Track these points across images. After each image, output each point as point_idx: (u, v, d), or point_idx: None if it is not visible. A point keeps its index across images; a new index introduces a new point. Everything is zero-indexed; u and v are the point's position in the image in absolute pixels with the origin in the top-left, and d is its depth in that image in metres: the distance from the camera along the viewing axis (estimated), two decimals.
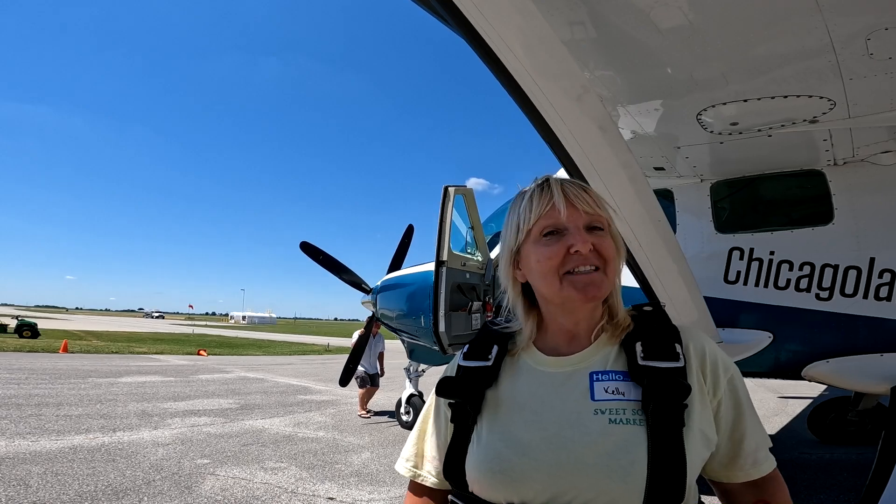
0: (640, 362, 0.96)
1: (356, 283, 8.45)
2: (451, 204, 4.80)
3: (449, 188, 4.85)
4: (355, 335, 9.78)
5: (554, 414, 0.96)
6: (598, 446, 0.89)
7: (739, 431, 0.99)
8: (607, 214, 1.04)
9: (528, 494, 0.91)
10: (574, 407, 0.95)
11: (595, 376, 0.98)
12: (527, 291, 1.12)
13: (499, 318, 1.19)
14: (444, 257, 4.73)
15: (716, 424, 0.98)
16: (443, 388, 1.09)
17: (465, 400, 1.04)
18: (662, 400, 0.90)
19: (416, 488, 1.18)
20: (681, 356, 0.97)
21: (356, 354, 8.66)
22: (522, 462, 0.93)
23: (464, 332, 4.96)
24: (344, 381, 8.60)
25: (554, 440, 0.93)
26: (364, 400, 9.58)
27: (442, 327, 4.71)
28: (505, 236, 1.11)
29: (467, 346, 1.15)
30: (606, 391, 0.95)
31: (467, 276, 5.18)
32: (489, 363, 1.07)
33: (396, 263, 8.20)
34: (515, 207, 1.08)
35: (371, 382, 9.66)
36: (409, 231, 8.61)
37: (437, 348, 4.98)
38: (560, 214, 1.00)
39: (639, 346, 0.98)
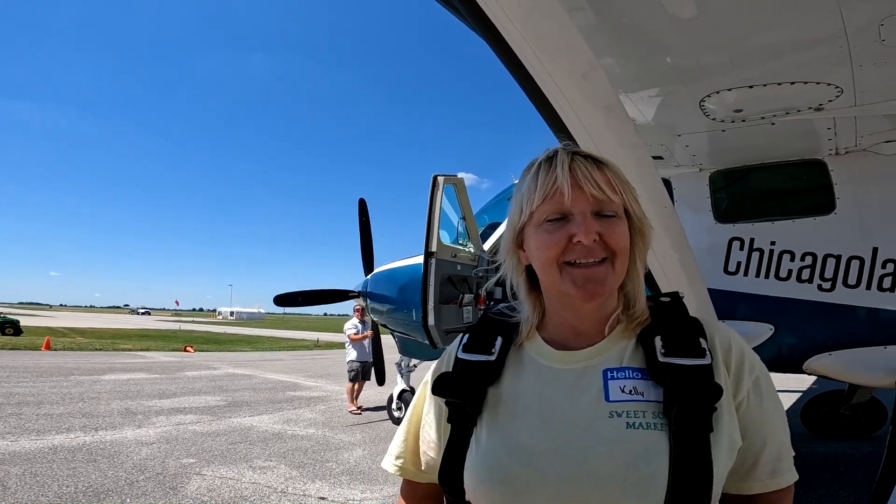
0: (661, 359, 0.85)
1: (342, 296, 8.23)
2: (439, 193, 4.69)
3: (438, 177, 4.74)
4: (348, 326, 9.60)
5: (564, 418, 0.86)
6: (614, 456, 0.79)
7: (760, 439, 0.88)
8: (624, 198, 0.91)
9: None
10: (586, 410, 0.85)
11: (609, 374, 0.88)
12: (531, 272, 1.00)
13: (501, 305, 1.07)
14: (433, 248, 4.62)
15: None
16: (440, 387, 0.97)
17: (465, 400, 0.93)
18: (688, 402, 0.79)
19: (407, 483, 1.12)
20: (707, 352, 0.86)
21: (378, 352, 8.46)
22: (527, 473, 0.83)
23: (454, 326, 4.86)
24: (381, 380, 8.50)
25: (563, 449, 0.82)
26: (353, 395, 9.47)
27: (431, 321, 4.60)
28: (511, 213, 0.99)
29: (466, 336, 1.04)
30: (623, 391, 0.85)
31: (458, 267, 5.07)
32: (492, 357, 0.96)
33: (366, 245, 7.97)
34: (522, 182, 0.96)
35: (363, 375, 9.56)
36: (363, 207, 8.14)
37: (428, 342, 4.87)
38: (564, 198, 0.88)
39: (658, 341, 0.88)
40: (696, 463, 0.77)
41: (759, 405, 0.89)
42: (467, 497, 0.89)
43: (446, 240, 5.18)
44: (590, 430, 0.83)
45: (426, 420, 1.07)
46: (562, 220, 0.89)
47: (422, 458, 1.07)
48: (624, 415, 0.82)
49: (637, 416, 0.82)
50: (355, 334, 9.56)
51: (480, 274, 5.30)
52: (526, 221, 0.94)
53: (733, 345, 0.91)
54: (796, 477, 0.91)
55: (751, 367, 0.90)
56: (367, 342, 9.59)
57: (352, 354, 9.51)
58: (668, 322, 0.92)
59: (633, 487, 0.77)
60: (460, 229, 5.43)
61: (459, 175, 5.26)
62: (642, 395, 0.84)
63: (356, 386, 9.53)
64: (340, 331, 9.62)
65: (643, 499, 0.76)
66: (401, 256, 6.48)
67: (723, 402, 0.82)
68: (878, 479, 2.95)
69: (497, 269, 1.09)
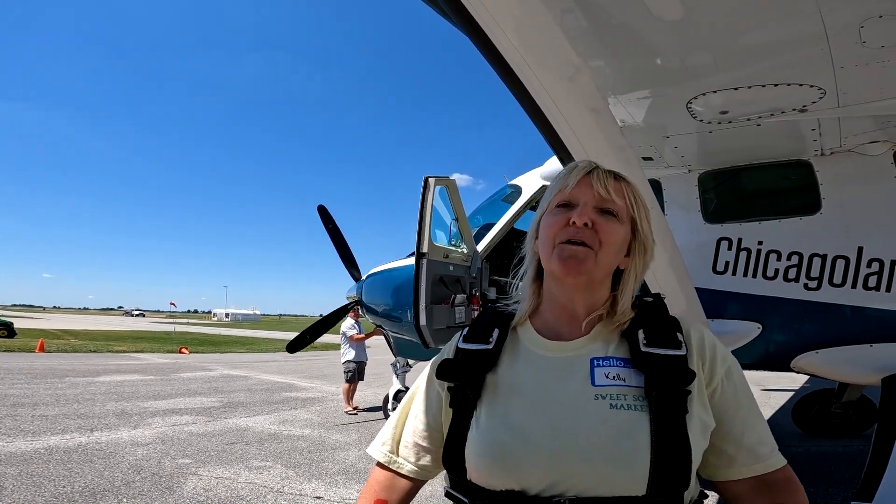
0: (643, 349, 0.95)
1: (342, 312, 8.22)
2: (430, 195, 4.76)
3: (429, 179, 4.80)
4: (347, 327, 9.51)
5: (555, 400, 0.95)
6: (600, 432, 0.88)
7: (738, 425, 0.97)
8: (628, 205, 1.02)
9: (529, 482, 0.90)
10: (575, 393, 0.94)
11: (596, 362, 0.97)
12: (540, 265, 1.11)
13: (500, 302, 1.17)
14: (425, 249, 4.69)
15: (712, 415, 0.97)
16: (443, 371, 1.06)
17: (466, 383, 1.02)
18: (666, 386, 0.89)
19: (385, 471, 1.14)
20: (683, 344, 0.96)
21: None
22: (523, 448, 0.91)
23: (446, 326, 4.90)
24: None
25: (555, 427, 0.91)
26: (349, 395, 9.48)
27: (423, 321, 4.66)
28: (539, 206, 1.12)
29: (467, 328, 1.13)
30: (607, 377, 0.95)
31: (451, 268, 5.12)
32: (490, 346, 1.05)
33: (343, 250, 7.96)
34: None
35: (360, 376, 9.55)
36: (324, 214, 8.08)
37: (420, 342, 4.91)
38: (577, 191, 1.01)
39: (641, 334, 0.98)
40: (674, 438, 0.86)
41: (734, 392, 0.98)
42: (468, 475, 0.97)
43: (441, 241, 5.22)
44: (578, 411, 0.91)
45: (418, 409, 1.14)
46: (567, 207, 1.01)
47: (412, 450, 1.12)
48: (608, 397, 0.91)
49: (619, 398, 0.91)
50: (357, 334, 9.54)
51: (475, 274, 5.34)
52: (545, 210, 1.06)
53: (706, 339, 1.01)
54: (783, 461, 0.98)
55: (723, 359, 1.00)
56: (362, 343, 9.61)
57: (349, 355, 9.51)
58: (649, 318, 1.02)
59: (618, 460, 0.86)
60: (454, 230, 5.47)
61: (453, 176, 5.31)
62: (624, 380, 0.93)
63: (352, 386, 9.55)
64: (336, 332, 9.61)
65: (628, 469, 0.85)
66: (398, 256, 6.52)
67: (694, 387, 0.92)
68: (863, 476, 3.01)
69: (492, 270, 1.17)
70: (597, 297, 1.03)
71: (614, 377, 0.94)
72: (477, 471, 0.95)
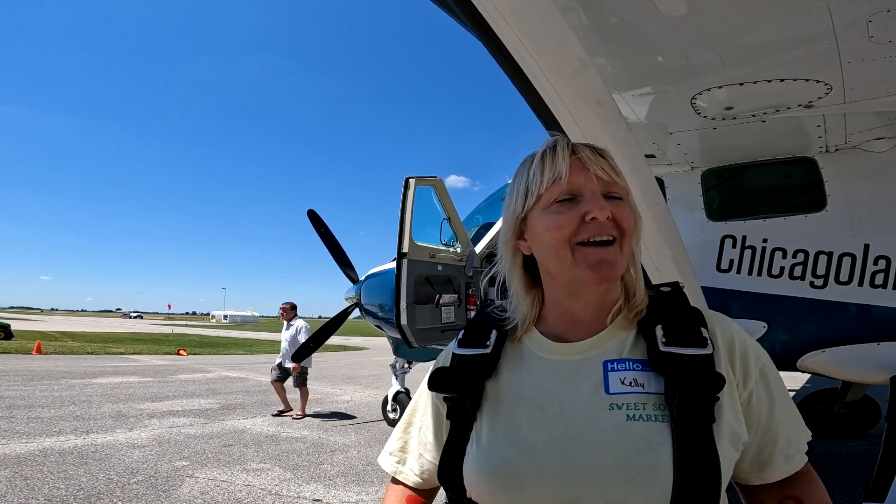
0: (662, 348, 0.84)
1: (344, 316, 8.16)
2: (411, 195, 4.79)
3: (410, 179, 4.83)
4: (287, 332, 9.16)
5: (563, 410, 0.85)
6: (615, 447, 0.78)
7: (773, 427, 0.88)
8: (625, 183, 0.92)
9: (535, 502, 0.81)
10: (586, 402, 0.84)
11: (609, 365, 0.87)
12: (529, 266, 0.99)
13: (494, 305, 1.06)
14: (405, 249, 4.75)
15: (746, 421, 0.86)
16: (436, 382, 0.97)
17: (463, 394, 0.93)
18: (690, 392, 0.78)
19: (398, 485, 1.09)
20: (709, 342, 0.85)
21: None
22: (528, 465, 0.82)
23: (430, 326, 4.90)
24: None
25: (563, 440, 0.82)
26: (282, 393, 9.11)
27: (404, 320, 4.67)
28: (509, 203, 0.98)
29: (462, 331, 1.03)
30: (623, 382, 0.84)
31: (439, 268, 5.10)
32: (488, 350, 0.95)
33: (337, 252, 7.97)
34: (523, 171, 0.96)
35: (286, 376, 9.01)
36: (315, 218, 8.02)
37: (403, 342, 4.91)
38: (576, 179, 0.88)
39: (659, 330, 0.86)
40: (700, 452, 0.76)
41: (769, 395, 0.88)
42: (468, 494, 0.88)
43: (435, 242, 5.21)
44: (589, 423, 0.82)
45: (423, 422, 1.07)
46: (571, 201, 0.89)
47: (417, 462, 1.06)
48: (624, 407, 0.82)
49: (637, 408, 0.81)
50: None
51: (470, 273, 5.31)
52: (532, 206, 0.93)
53: (735, 335, 0.90)
54: (806, 458, 0.91)
55: (756, 357, 0.89)
56: (286, 345, 9.04)
57: (278, 358, 9.14)
58: (668, 312, 0.91)
59: (636, 479, 0.76)
60: (446, 230, 5.47)
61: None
62: (642, 386, 0.83)
63: (280, 386, 9.15)
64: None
65: (648, 489, 0.75)
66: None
67: (724, 393, 0.82)
68: (874, 476, 2.96)
69: (492, 268, 1.07)
70: (613, 292, 0.94)
71: (631, 382, 0.84)
72: (477, 489, 0.87)
